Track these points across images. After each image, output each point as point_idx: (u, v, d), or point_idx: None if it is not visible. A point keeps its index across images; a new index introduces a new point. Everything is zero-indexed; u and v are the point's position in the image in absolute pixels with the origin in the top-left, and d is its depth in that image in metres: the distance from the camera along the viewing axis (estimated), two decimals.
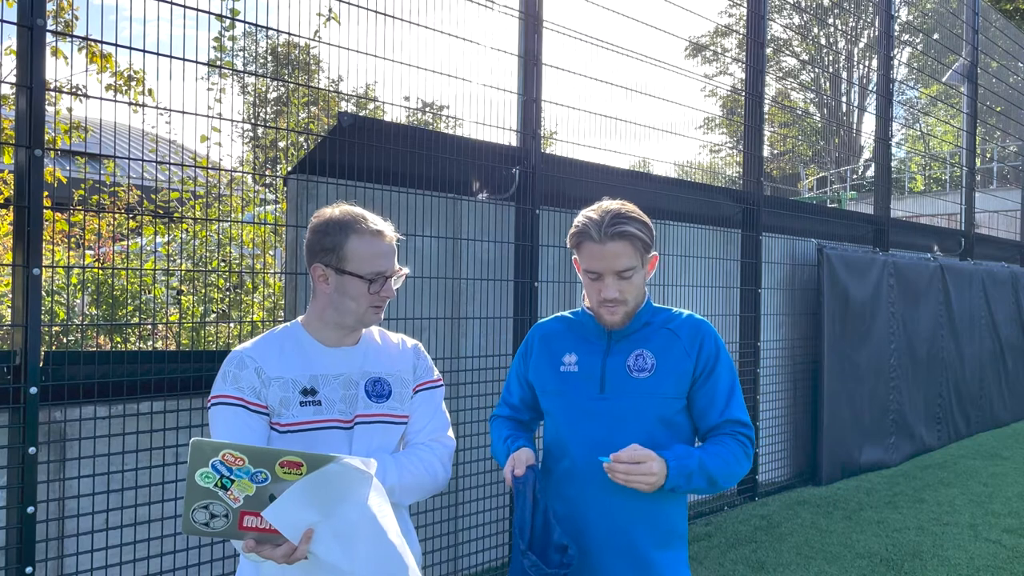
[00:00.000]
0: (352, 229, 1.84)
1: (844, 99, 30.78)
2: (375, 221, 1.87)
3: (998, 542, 5.11)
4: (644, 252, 1.97)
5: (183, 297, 5.05)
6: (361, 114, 5.68)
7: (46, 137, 3.13)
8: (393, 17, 3.91)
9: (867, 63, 28.23)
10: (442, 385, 2.06)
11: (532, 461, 2.00)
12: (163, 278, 4.76)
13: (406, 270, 1.91)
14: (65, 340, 4.48)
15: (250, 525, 1.50)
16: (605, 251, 1.91)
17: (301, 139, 5.77)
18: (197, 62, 3.31)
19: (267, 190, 6.29)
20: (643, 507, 1.96)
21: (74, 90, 4.69)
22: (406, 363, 1.99)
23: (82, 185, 4.67)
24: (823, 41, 29.55)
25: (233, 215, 4.80)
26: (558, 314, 2.21)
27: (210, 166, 4.52)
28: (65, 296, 4.45)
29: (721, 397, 2.00)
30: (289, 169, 4.03)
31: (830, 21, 29.17)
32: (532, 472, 1.97)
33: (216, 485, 1.46)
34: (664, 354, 2.00)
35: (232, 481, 1.47)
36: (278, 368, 1.83)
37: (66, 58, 4.11)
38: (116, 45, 3.26)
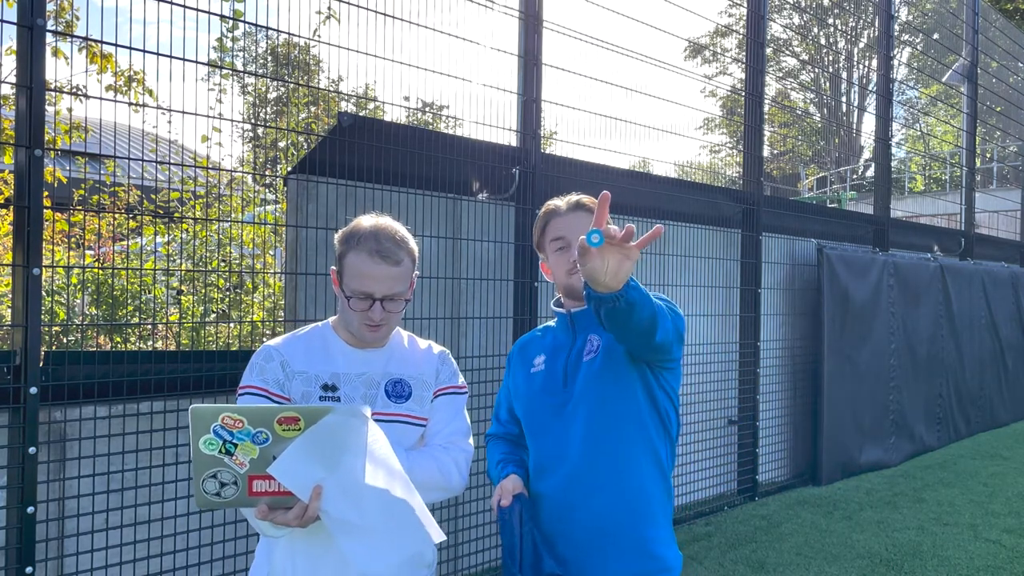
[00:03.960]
0: (355, 244, 1.83)
1: (844, 99, 30.78)
2: (384, 245, 1.82)
3: (998, 542, 5.12)
4: None
5: (183, 297, 5.05)
6: (361, 114, 5.68)
7: (46, 137, 3.13)
8: (393, 17, 3.91)
9: (867, 63, 28.23)
10: (466, 393, 2.06)
11: (519, 490, 2.00)
12: (163, 278, 4.76)
13: (405, 299, 1.87)
14: (65, 340, 4.48)
15: (260, 490, 1.52)
16: (570, 219, 2.06)
17: (301, 139, 5.77)
18: (198, 62, 3.31)
19: (267, 190, 6.29)
20: (620, 488, 1.96)
21: (74, 90, 4.69)
22: (430, 367, 2.00)
23: (82, 185, 4.67)
24: (823, 41, 29.55)
25: (233, 215, 4.80)
26: (541, 325, 2.28)
27: (210, 166, 4.52)
28: (65, 296, 4.45)
29: None
30: (289, 169, 4.03)
31: (830, 21, 29.18)
32: (518, 502, 1.95)
33: (220, 451, 1.48)
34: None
35: (235, 445, 1.49)
36: (303, 363, 1.88)
37: (66, 58, 4.12)
38: (116, 45, 3.25)
